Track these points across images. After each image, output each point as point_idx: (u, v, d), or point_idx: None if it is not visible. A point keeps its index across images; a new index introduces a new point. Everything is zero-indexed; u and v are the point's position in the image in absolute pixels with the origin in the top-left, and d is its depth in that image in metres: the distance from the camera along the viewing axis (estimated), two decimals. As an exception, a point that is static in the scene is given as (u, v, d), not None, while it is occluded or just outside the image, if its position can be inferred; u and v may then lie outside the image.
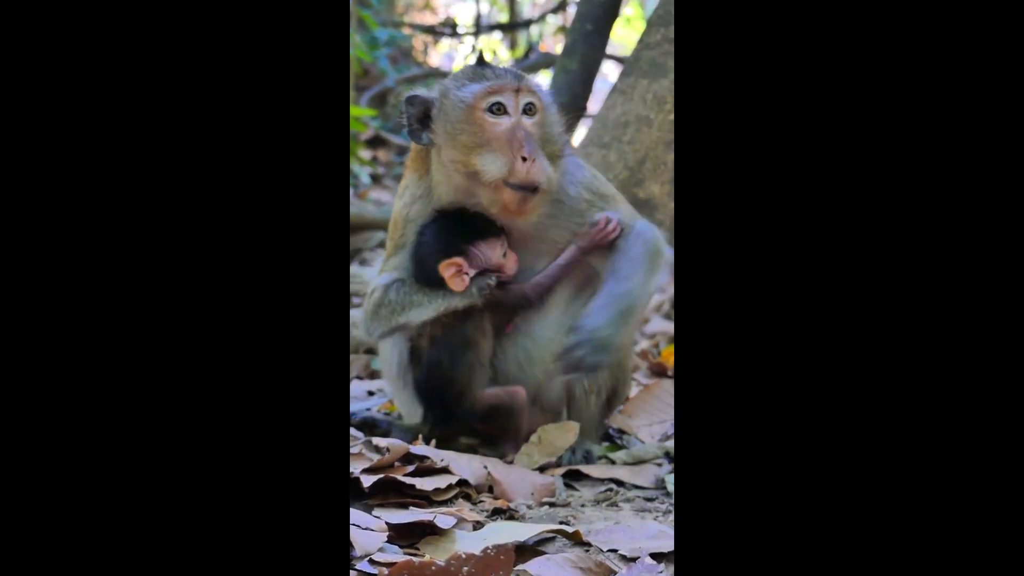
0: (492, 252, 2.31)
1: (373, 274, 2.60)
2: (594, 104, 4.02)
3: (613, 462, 2.37)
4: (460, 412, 2.35)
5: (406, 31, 10.14)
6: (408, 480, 2.00)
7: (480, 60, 2.36)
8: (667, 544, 1.72)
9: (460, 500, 2.04)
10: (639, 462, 2.36)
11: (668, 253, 2.40)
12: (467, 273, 2.29)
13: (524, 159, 2.20)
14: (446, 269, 2.28)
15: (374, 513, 1.84)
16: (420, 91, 2.36)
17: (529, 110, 2.27)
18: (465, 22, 11.23)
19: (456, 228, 2.32)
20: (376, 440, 2.15)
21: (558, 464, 2.33)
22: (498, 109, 2.24)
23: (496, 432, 2.41)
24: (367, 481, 1.96)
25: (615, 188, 2.53)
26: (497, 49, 10.88)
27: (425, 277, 2.34)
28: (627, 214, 2.44)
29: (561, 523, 1.89)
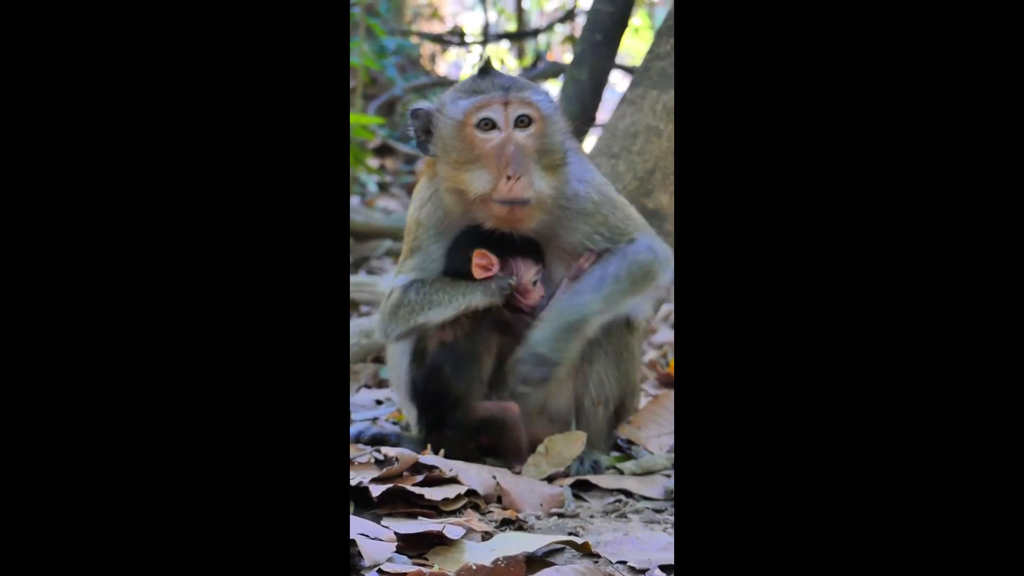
0: (526, 273, 2.33)
1: (383, 283, 2.60)
2: (603, 114, 4.02)
3: (621, 472, 2.36)
4: (452, 421, 2.35)
5: (414, 40, 10.16)
6: (417, 490, 1.99)
7: (484, 69, 2.34)
8: (677, 556, 1.71)
9: (469, 510, 2.04)
10: (647, 473, 2.36)
11: (665, 275, 2.38)
12: (492, 272, 2.31)
13: (509, 177, 2.20)
14: (479, 257, 2.30)
15: (383, 523, 1.84)
16: (423, 103, 2.37)
17: (522, 122, 2.26)
18: (473, 31, 11.26)
19: (504, 237, 2.33)
20: (385, 450, 2.15)
21: (566, 474, 2.32)
22: (487, 125, 2.24)
23: (493, 445, 2.41)
24: (376, 491, 1.95)
25: (625, 200, 2.52)
26: (505, 58, 10.90)
27: (455, 261, 2.36)
28: (632, 227, 2.42)
29: (570, 534, 1.88)
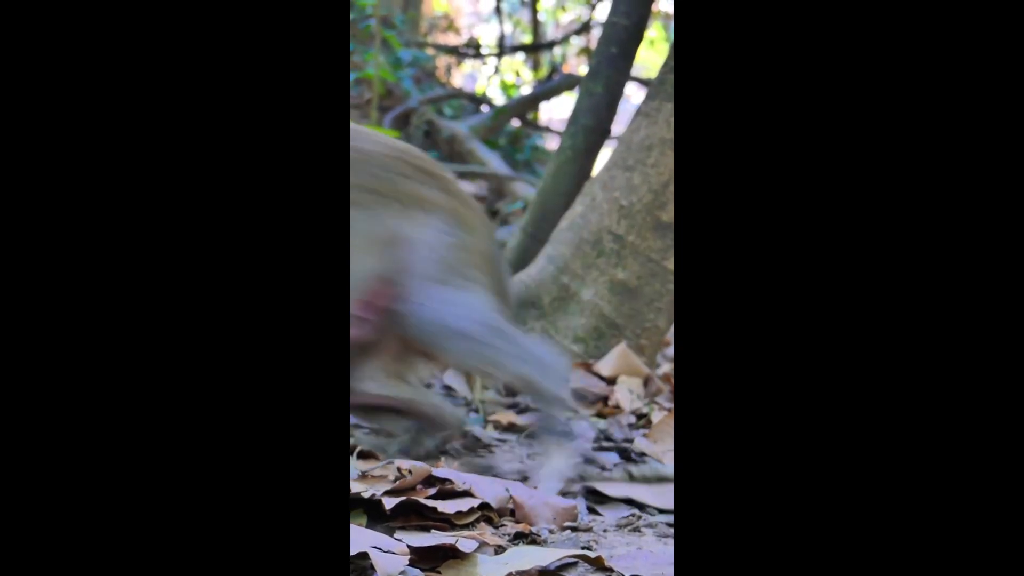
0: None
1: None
2: (618, 127, 4.03)
3: (632, 476, 2.36)
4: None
5: (430, 52, 10.19)
6: (430, 503, 1.99)
7: None
8: (691, 571, 1.71)
9: (482, 524, 2.03)
10: (660, 480, 2.36)
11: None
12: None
13: None
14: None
15: (396, 536, 1.84)
16: None
17: None
18: (488, 43, 11.30)
19: None
20: (398, 462, 2.16)
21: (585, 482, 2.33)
22: None
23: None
24: (389, 503, 1.95)
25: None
26: (520, 70, 10.93)
27: None
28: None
29: (583, 548, 1.88)
